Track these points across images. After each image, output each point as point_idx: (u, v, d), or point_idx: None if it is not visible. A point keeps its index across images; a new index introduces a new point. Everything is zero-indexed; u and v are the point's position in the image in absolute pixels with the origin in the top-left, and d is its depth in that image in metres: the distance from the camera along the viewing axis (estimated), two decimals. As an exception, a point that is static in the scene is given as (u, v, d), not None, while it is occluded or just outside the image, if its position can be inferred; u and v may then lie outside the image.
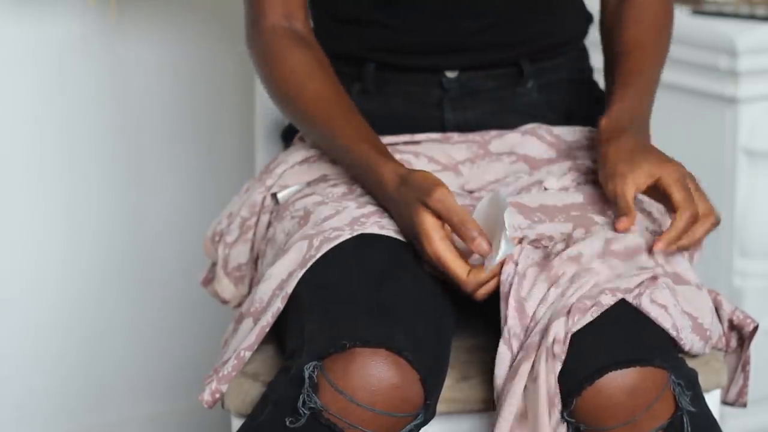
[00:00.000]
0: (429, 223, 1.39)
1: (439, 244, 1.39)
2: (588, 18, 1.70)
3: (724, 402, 1.54)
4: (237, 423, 1.44)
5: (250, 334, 1.41)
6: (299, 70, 1.56)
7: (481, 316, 1.56)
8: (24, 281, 2.19)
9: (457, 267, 1.38)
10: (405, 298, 1.38)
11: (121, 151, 2.22)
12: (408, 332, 1.33)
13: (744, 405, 1.53)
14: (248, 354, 1.41)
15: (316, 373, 1.29)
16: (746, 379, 1.51)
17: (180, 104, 2.25)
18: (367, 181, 1.49)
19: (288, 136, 1.72)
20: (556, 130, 1.60)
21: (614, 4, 1.65)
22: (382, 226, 1.44)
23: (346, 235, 1.42)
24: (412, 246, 1.44)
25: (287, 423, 1.28)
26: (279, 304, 1.41)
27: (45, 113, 2.15)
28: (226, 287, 1.61)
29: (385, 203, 1.46)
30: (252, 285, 1.60)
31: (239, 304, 1.62)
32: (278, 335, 1.45)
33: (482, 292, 1.40)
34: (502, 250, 1.35)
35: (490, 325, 1.52)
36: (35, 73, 2.14)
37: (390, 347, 1.29)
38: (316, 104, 1.54)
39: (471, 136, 1.59)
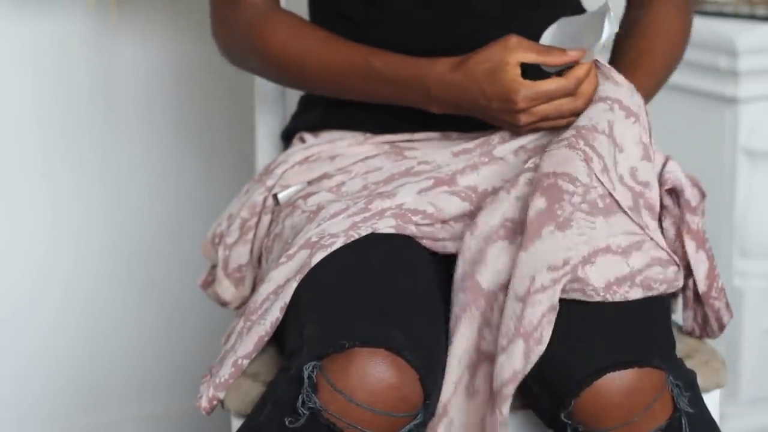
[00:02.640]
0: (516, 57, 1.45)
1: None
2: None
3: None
4: (237, 423, 1.44)
5: (248, 340, 1.42)
6: (297, 27, 1.58)
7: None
8: (21, 283, 2.19)
9: (552, 81, 1.45)
10: (404, 298, 1.37)
11: (120, 152, 2.22)
12: (407, 332, 1.32)
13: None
14: (246, 362, 1.42)
15: (315, 373, 1.28)
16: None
17: (179, 106, 2.25)
18: (423, 88, 1.51)
19: (288, 136, 1.72)
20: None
21: (629, 19, 1.65)
22: (376, 228, 1.44)
23: (340, 243, 1.42)
24: (411, 244, 1.45)
25: (287, 423, 1.28)
26: (278, 314, 1.41)
27: (44, 115, 2.15)
28: (226, 289, 1.60)
29: (456, 97, 1.49)
30: (255, 284, 1.60)
31: (240, 306, 1.62)
32: (278, 336, 1.45)
33: (587, 88, 1.46)
34: (606, 31, 1.44)
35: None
36: (35, 75, 2.13)
37: (389, 347, 1.29)
38: (331, 44, 1.56)
39: (470, 134, 1.59)
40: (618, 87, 1.47)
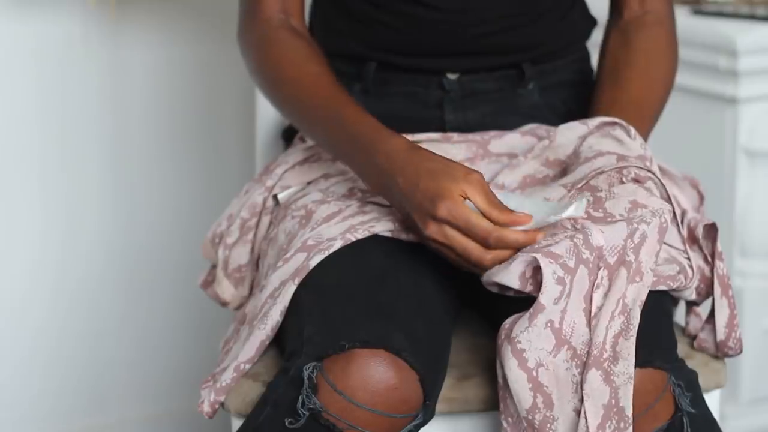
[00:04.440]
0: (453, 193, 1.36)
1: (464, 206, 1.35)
2: (592, 21, 1.69)
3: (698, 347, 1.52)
4: (237, 423, 1.44)
5: (249, 345, 1.41)
6: (298, 54, 1.56)
7: (481, 315, 1.56)
8: (22, 283, 2.19)
9: (482, 220, 1.34)
10: (404, 299, 1.38)
11: (120, 151, 2.22)
12: (407, 333, 1.33)
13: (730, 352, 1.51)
14: (248, 366, 1.42)
15: (315, 373, 1.29)
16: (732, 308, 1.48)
17: (180, 105, 2.25)
18: (372, 153, 1.43)
19: (288, 136, 1.72)
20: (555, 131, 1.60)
21: (617, 43, 1.63)
22: (374, 231, 1.44)
23: (338, 245, 1.41)
24: (410, 246, 1.44)
25: (286, 423, 1.28)
26: (278, 318, 1.41)
27: (45, 113, 2.15)
28: (226, 289, 1.60)
29: (393, 173, 1.40)
30: (253, 286, 1.60)
31: (240, 306, 1.62)
32: (278, 337, 1.45)
33: (502, 254, 1.36)
34: (574, 205, 1.34)
35: (490, 324, 1.52)
36: (36, 74, 2.14)
37: (389, 348, 1.29)
38: (318, 83, 1.52)
39: (471, 136, 1.59)
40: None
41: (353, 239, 1.42)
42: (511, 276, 1.33)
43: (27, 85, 2.13)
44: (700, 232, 1.45)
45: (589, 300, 1.32)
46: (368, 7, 1.60)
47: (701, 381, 1.40)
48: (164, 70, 2.22)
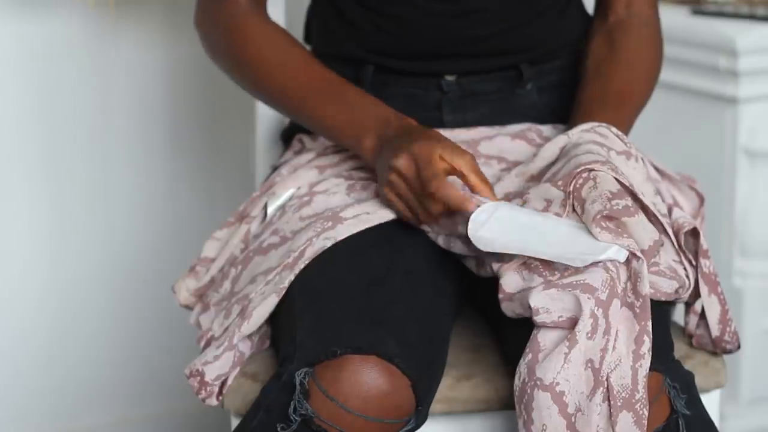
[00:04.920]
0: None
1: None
2: (589, 20, 1.69)
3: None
4: (236, 423, 1.44)
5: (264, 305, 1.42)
6: (277, 39, 1.58)
7: (477, 311, 1.57)
8: (19, 281, 2.19)
9: (440, 168, 1.40)
10: (397, 304, 1.37)
11: (120, 151, 2.22)
12: (399, 338, 1.33)
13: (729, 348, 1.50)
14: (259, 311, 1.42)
15: (307, 379, 1.29)
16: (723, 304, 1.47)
17: (179, 105, 2.25)
18: (378, 124, 1.49)
19: (287, 137, 1.72)
20: (546, 132, 1.59)
21: (601, 43, 1.62)
22: (366, 215, 1.45)
23: (345, 230, 1.43)
24: (406, 249, 1.45)
25: (278, 429, 1.28)
26: (275, 299, 1.41)
27: (44, 113, 2.15)
28: (185, 290, 1.61)
29: (393, 138, 1.47)
30: (217, 281, 1.59)
31: (201, 295, 1.61)
32: (274, 340, 1.46)
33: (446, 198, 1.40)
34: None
35: (491, 325, 1.52)
36: (36, 74, 2.14)
37: (381, 354, 1.29)
38: (310, 63, 1.56)
39: (462, 135, 1.59)
40: (605, 138, 1.45)
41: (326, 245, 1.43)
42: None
43: (27, 86, 2.14)
44: (682, 238, 1.44)
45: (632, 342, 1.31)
46: (360, 10, 1.60)
47: (701, 381, 1.40)
48: (163, 71, 2.22)
